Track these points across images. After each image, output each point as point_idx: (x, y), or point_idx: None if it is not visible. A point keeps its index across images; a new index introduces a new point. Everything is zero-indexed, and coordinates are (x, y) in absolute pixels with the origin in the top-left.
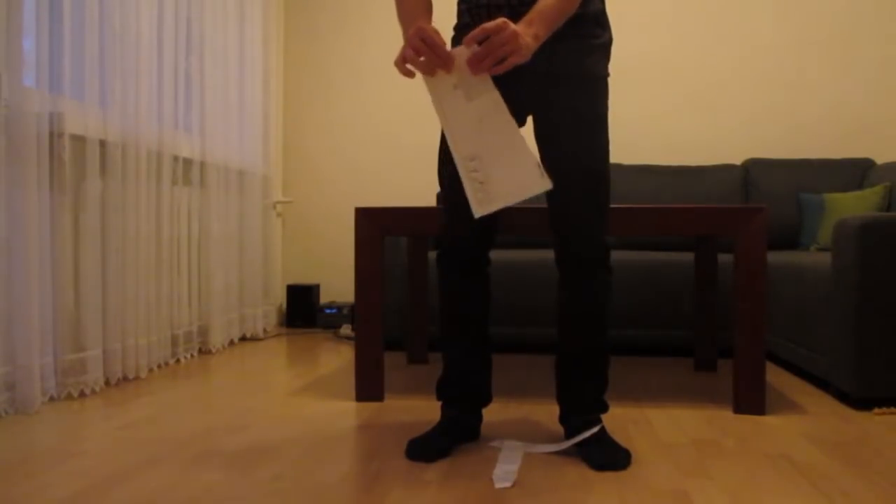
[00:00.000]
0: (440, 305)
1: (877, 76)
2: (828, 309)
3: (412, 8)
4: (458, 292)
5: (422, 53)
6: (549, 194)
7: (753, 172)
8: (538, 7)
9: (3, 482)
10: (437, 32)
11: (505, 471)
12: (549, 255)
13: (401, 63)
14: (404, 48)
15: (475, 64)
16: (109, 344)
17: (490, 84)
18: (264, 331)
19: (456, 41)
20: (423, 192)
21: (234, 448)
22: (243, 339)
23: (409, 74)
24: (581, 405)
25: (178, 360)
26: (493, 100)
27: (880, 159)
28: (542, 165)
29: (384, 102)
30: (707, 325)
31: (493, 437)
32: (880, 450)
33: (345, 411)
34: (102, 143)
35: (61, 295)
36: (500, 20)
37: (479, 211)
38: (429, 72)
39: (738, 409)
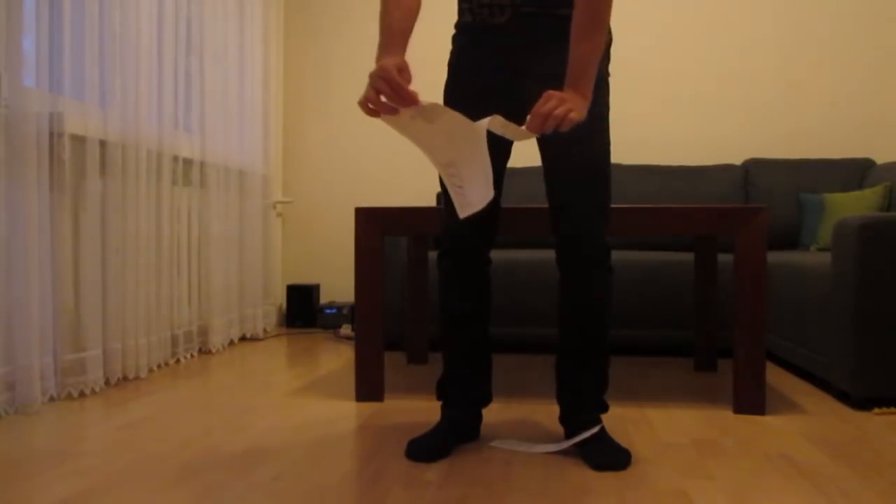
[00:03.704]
0: (440, 305)
1: (876, 76)
2: (828, 309)
3: (396, 10)
4: (458, 292)
5: (385, 95)
6: (550, 194)
7: (753, 172)
8: (575, 64)
9: (3, 482)
10: (403, 70)
11: (504, 440)
12: (549, 255)
13: (364, 104)
14: (368, 88)
15: (531, 128)
16: (109, 344)
17: (444, 109)
18: (264, 331)
19: (457, 40)
20: (423, 192)
21: (234, 448)
22: (243, 339)
23: (373, 114)
24: (581, 405)
25: (178, 360)
26: (452, 117)
27: (880, 159)
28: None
29: None
30: (707, 325)
31: (493, 437)
32: (880, 450)
33: (345, 411)
34: (102, 143)
35: (61, 295)
36: (544, 95)
37: (462, 213)
38: (391, 112)
39: (738, 409)
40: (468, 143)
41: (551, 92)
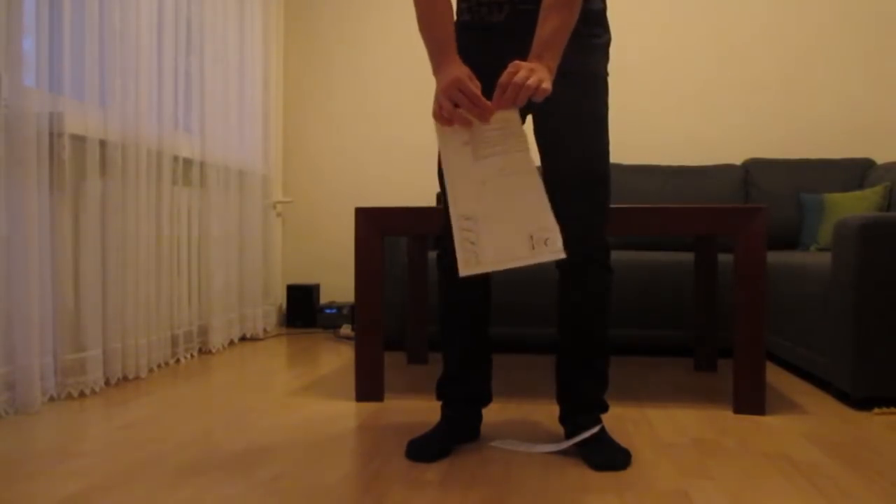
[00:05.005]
0: (440, 305)
1: (877, 76)
2: (827, 309)
3: (438, 21)
4: (457, 292)
5: (463, 106)
6: (549, 194)
7: (753, 172)
8: (541, 37)
9: (3, 482)
10: (472, 78)
11: (504, 440)
12: None
13: (439, 114)
14: (439, 98)
15: (502, 101)
16: (109, 344)
17: (505, 145)
18: (264, 331)
19: (456, 40)
20: (423, 192)
21: (234, 448)
22: (243, 339)
23: (449, 123)
24: (581, 405)
25: (178, 360)
26: (503, 163)
27: (880, 159)
28: (546, 235)
29: (384, 102)
30: (707, 325)
31: (493, 437)
32: (880, 450)
33: (345, 411)
34: (102, 143)
35: (61, 295)
36: (512, 65)
37: (464, 271)
38: (467, 124)
39: (738, 409)
40: (502, 198)
41: (518, 62)
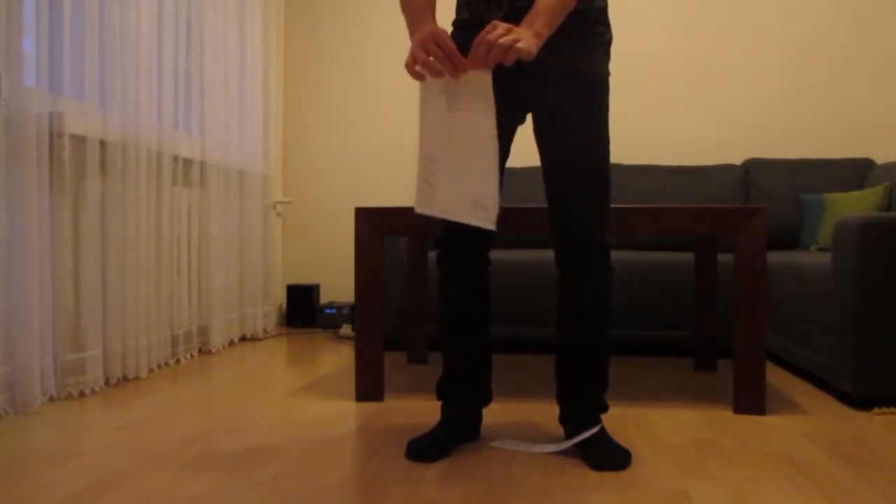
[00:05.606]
0: (440, 306)
1: (877, 76)
2: (828, 309)
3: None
4: (458, 292)
5: (436, 58)
6: (549, 194)
7: (753, 172)
8: (536, 7)
9: (3, 482)
10: (450, 37)
11: (504, 440)
12: (549, 255)
13: (412, 65)
14: (414, 49)
15: (475, 60)
16: (109, 344)
17: (474, 105)
18: (264, 331)
19: (455, 37)
20: None
21: (234, 448)
22: (243, 339)
23: (421, 77)
24: (581, 405)
25: (178, 360)
26: (470, 121)
27: (880, 159)
28: (487, 203)
29: (384, 102)
30: (707, 325)
31: (493, 437)
32: (880, 450)
33: (345, 411)
34: (102, 143)
35: (61, 295)
36: (490, 24)
37: (417, 208)
38: (438, 75)
39: (738, 409)
40: (464, 154)
41: (497, 21)
